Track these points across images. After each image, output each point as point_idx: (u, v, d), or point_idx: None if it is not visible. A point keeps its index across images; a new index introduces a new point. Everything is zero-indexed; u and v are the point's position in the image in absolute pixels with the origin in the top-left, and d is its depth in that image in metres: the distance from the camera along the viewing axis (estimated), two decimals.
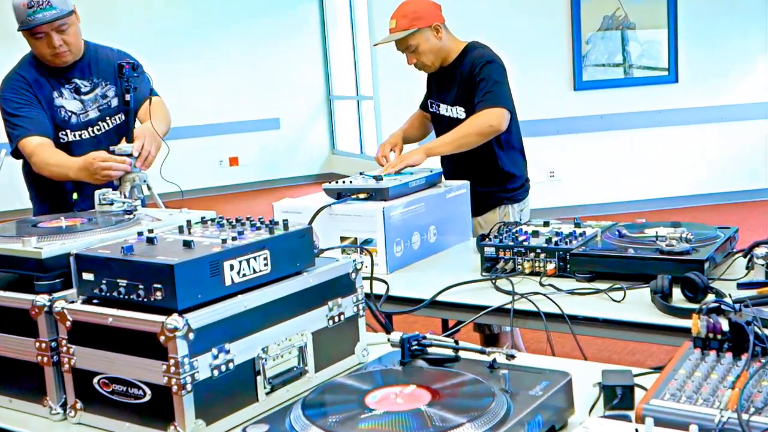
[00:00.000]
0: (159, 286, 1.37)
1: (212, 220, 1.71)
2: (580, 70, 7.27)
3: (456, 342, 1.53)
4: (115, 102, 3.04)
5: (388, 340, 1.55)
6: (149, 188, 2.72)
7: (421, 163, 2.93)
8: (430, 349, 1.53)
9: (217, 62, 10.03)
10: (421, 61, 3.14)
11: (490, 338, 3.20)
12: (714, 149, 7.46)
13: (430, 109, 3.34)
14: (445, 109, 3.23)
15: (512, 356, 1.44)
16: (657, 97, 7.31)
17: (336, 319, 1.66)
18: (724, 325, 1.39)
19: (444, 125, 3.24)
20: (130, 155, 2.65)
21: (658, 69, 7.31)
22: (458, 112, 3.17)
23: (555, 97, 7.24)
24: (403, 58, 3.22)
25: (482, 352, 1.49)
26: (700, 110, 7.35)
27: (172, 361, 1.35)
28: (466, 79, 3.10)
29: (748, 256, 2.13)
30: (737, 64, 7.34)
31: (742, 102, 7.36)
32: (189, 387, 1.36)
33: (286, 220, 1.62)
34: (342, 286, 1.68)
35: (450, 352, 1.51)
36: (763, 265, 2.00)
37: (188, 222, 1.65)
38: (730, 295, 1.93)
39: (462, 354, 1.51)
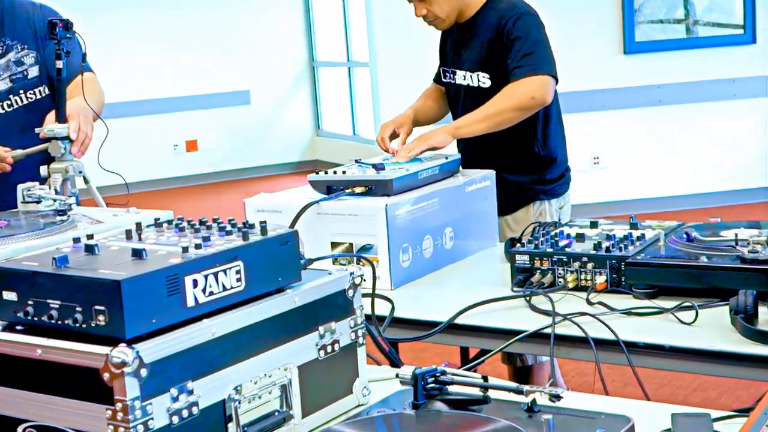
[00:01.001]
0: (102, 308, 1.36)
1: (169, 222, 1.70)
2: (632, 28, 7.28)
3: (485, 378, 1.51)
4: (33, 72, 3.01)
5: (397, 375, 1.53)
6: (86, 181, 2.70)
7: (446, 146, 2.94)
8: (450, 388, 1.51)
9: (168, 20, 10.03)
10: (432, 12, 3.13)
11: (523, 372, 3.20)
12: None
13: (444, 79, 3.34)
14: (462, 77, 3.23)
15: (557, 396, 1.42)
16: (729, 63, 7.32)
17: (329, 348, 1.65)
18: None
19: (461, 98, 3.25)
20: (65, 138, 2.62)
21: (731, 26, 7.32)
22: (481, 79, 3.16)
23: (599, 62, 7.24)
24: (407, 11, 3.21)
25: (518, 392, 1.48)
26: None
27: (119, 406, 1.33)
28: (492, 37, 3.10)
29: None
30: None
31: None
32: None
33: (264, 222, 1.61)
34: (336, 306, 1.67)
35: (477, 392, 1.49)
36: None
37: (138, 225, 1.64)
38: None
39: (492, 393, 1.50)
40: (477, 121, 3.01)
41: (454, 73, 3.26)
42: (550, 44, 3.10)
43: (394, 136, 3.16)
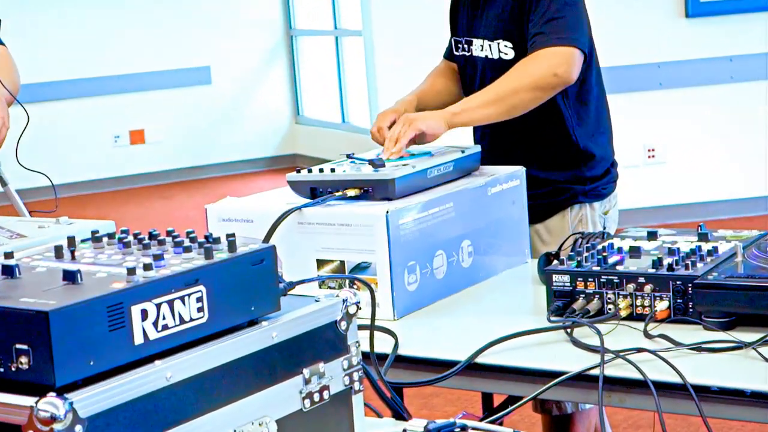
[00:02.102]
0: (24, 347, 1.34)
1: (110, 236, 1.69)
2: None
3: None
4: None
5: (405, 431, 1.52)
6: (3, 183, 2.69)
7: (438, 135, 2.93)
8: None
9: None
10: None
11: (561, 422, 3.20)
12: None
13: (457, 53, 3.36)
14: (479, 47, 3.24)
15: None
16: None
17: (316, 397, 1.64)
18: None
19: (478, 73, 3.25)
20: None
21: None
22: (502, 49, 3.17)
23: (654, 28, 7.25)
24: None
25: None
26: None
27: None
28: None
29: None
30: None
31: None
32: None
33: (232, 235, 1.60)
34: (325, 343, 1.66)
35: None
36: None
37: (70, 239, 1.63)
38: None
39: None
40: (483, 105, 3.00)
41: (470, 44, 3.27)
42: (585, 7, 3.12)
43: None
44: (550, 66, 3.00)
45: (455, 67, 3.41)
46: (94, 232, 1.70)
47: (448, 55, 3.46)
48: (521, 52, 3.11)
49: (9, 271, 1.50)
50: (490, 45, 3.20)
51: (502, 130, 3.11)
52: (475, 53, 3.26)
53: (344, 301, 1.69)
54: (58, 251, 1.60)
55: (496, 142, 3.19)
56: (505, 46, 3.17)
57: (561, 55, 3.01)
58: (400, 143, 2.84)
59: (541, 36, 3.03)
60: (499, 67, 3.14)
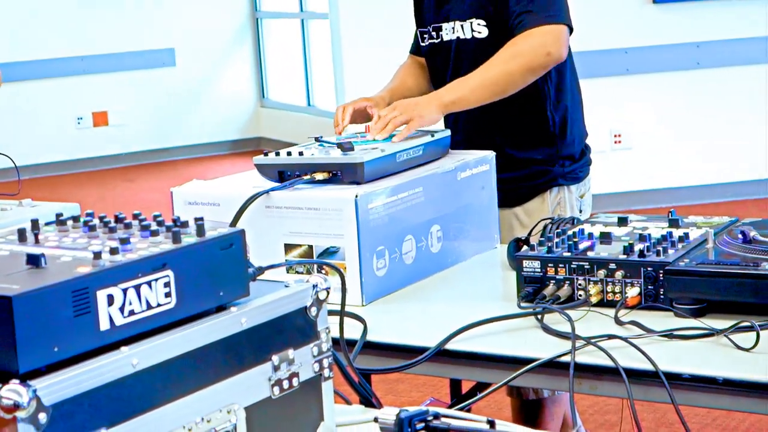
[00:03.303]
0: None
1: (75, 219, 1.67)
2: None
3: (491, 423, 1.48)
4: None
5: (376, 419, 1.50)
6: None
7: (435, 122, 2.92)
8: None
9: None
10: None
11: (530, 407, 3.20)
12: None
13: (424, 43, 3.33)
14: (450, 30, 3.22)
15: None
16: None
17: (285, 384, 1.63)
18: None
19: (452, 57, 3.24)
20: None
21: None
22: (475, 27, 3.16)
23: (622, 13, 7.26)
24: None
25: None
26: None
27: None
28: None
29: None
30: None
31: None
32: None
33: (200, 218, 1.58)
34: (295, 329, 1.65)
35: None
36: None
37: (34, 222, 1.61)
38: None
39: None
40: (477, 88, 2.99)
41: (439, 30, 3.25)
42: None
43: (360, 118, 3.11)
44: (543, 45, 3.00)
45: (422, 61, 3.40)
46: (58, 215, 1.68)
47: (415, 50, 3.45)
48: (495, 30, 3.10)
49: None
50: (462, 25, 3.18)
51: (480, 110, 3.09)
52: (445, 38, 3.24)
53: (314, 286, 1.67)
54: (22, 234, 1.58)
55: (473, 123, 3.19)
56: (479, 24, 3.15)
57: (552, 34, 3.01)
58: (388, 128, 2.83)
59: (529, 15, 3.01)
60: (473, 47, 3.14)
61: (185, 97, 10.61)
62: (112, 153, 10.30)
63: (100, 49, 10.14)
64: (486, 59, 3.03)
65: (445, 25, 3.23)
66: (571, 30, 3.06)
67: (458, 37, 3.20)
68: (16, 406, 1.28)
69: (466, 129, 3.16)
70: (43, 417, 1.31)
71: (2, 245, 1.55)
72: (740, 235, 2.36)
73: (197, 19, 10.52)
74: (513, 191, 3.11)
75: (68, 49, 10.02)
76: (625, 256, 2.33)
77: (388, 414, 1.50)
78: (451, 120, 3.23)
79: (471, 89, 2.99)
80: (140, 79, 10.40)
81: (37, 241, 1.56)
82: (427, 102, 2.95)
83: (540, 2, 3.02)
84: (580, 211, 3.22)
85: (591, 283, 2.34)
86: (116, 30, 10.16)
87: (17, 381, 1.29)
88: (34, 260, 1.42)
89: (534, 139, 3.20)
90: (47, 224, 1.65)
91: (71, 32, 9.99)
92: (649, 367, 2.01)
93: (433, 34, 3.28)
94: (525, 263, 2.40)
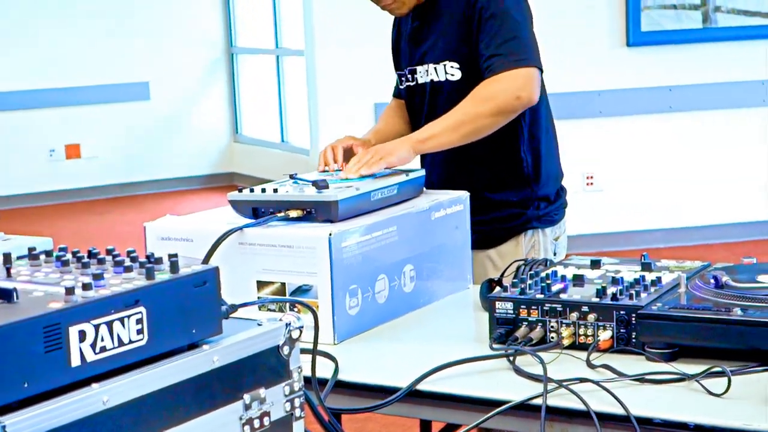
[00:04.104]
0: None
1: (48, 253, 1.66)
2: (637, 14, 7.38)
3: None
4: None
5: None
6: None
7: (407, 162, 2.93)
8: None
9: None
10: None
11: None
12: None
13: (402, 86, 3.34)
14: (424, 72, 3.23)
15: None
16: (758, 60, 7.43)
17: (256, 423, 1.62)
18: None
19: (426, 100, 3.24)
20: None
21: (761, 15, 7.47)
22: (449, 70, 3.16)
23: (596, 57, 7.30)
24: None
25: None
26: None
27: None
28: (460, 15, 3.11)
29: None
30: None
31: None
32: None
33: (174, 255, 1.58)
34: (267, 368, 1.64)
35: None
36: None
37: (6, 256, 1.60)
38: None
39: None
40: (447, 130, 3.00)
41: (414, 72, 3.26)
42: (533, 24, 3.12)
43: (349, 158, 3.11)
44: (512, 89, 3.00)
45: (400, 103, 3.42)
46: (30, 249, 1.68)
47: (397, 93, 3.46)
48: (469, 72, 3.11)
49: None
50: (435, 68, 3.19)
51: (456, 151, 3.09)
52: (420, 81, 3.25)
53: (287, 325, 1.67)
54: None
55: (449, 164, 3.19)
56: (452, 67, 3.16)
57: (522, 78, 3.01)
58: (362, 170, 2.84)
59: (498, 58, 3.02)
60: (447, 89, 3.15)
61: (159, 130, 10.59)
62: (84, 186, 10.26)
63: (74, 82, 10.11)
64: (460, 101, 3.05)
65: (419, 68, 3.24)
66: (541, 71, 3.07)
67: (432, 80, 3.21)
68: None
69: (442, 170, 3.16)
70: None
71: None
72: (712, 280, 2.36)
73: (172, 54, 10.51)
74: (487, 233, 3.12)
75: (42, 81, 9.99)
76: (597, 299, 2.32)
77: None
78: (428, 161, 3.23)
79: (442, 131, 3.00)
80: (114, 112, 10.37)
81: (9, 275, 1.56)
82: (400, 142, 2.97)
83: (509, 45, 3.02)
84: (555, 254, 3.21)
85: (563, 325, 2.33)
86: (90, 62, 10.14)
87: None
88: (5, 294, 1.41)
89: (508, 180, 3.20)
90: (19, 258, 1.65)
91: (45, 64, 9.96)
92: (620, 411, 2.01)
93: (409, 76, 3.28)
94: (498, 305, 2.39)
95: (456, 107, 3.02)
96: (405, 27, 3.30)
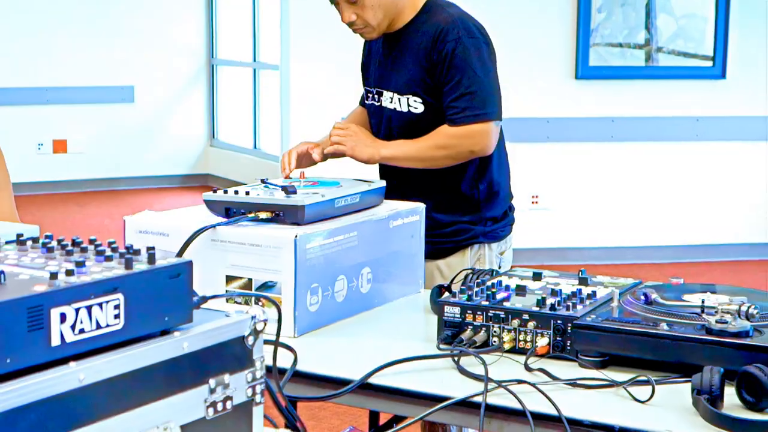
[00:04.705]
0: None
1: (34, 240, 1.63)
2: (586, 50, 7.39)
3: None
4: None
5: None
6: None
7: (369, 163, 3.00)
8: None
9: None
10: (363, 18, 3.08)
11: None
12: None
13: (367, 101, 3.34)
14: (389, 99, 3.20)
15: None
16: (694, 99, 7.48)
17: (219, 406, 1.60)
18: None
19: (384, 123, 3.22)
20: None
21: (698, 57, 7.50)
22: (411, 103, 3.14)
23: (546, 87, 7.32)
24: (329, 8, 3.17)
25: None
26: (755, 121, 7.52)
27: None
28: (427, 54, 3.08)
29: None
30: None
31: None
32: None
33: (152, 248, 1.56)
34: (232, 356, 1.63)
35: None
36: None
37: None
38: None
39: None
40: (407, 158, 3.08)
41: (380, 95, 3.23)
42: (497, 71, 3.11)
43: (305, 161, 3.12)
44: (467, 145, 3.04)
45: (364, 111, 3.41)
46: (18, 235, 1.65)
47: (362, 102, 3.45)
48: (430, 107, 3.09)
49: None
50: (399, 99, 3.16)
51: (412, 175, 3.11)
52: (384, 104, 3.22)
53: (253, 317, 1.65)
54: None
55: (402, 179, 3.16)
56: (415, 101, 3.13)
57: (477, 134, 3.03)
58: (336, 137, 2.99)
59: (458, 112, 3.03)
60: (407, 119, 3.14)
61: (141, 131, 10.52)
62: (68, 179, 10.17)
63: (65, 82, 10.02)
64: (417, 131, 3.08)
65: (385, 93, 3.22)
66: (499, 121, 3.08)
67: (395, 108, 3.18)
68: None
69: (399, 190, 3.08)
70: None
71: None
72: (642, 297, 2.37)
73: (157, 61, 10.45)
74: (436, 245, 3.12)
75: (35, 80, 9.90)
76: (537, 309, 2.32)
77: None
78: (383, 173, 3.22)
79: (404, 156, 3.07)
80: (100, 112, 10.29)
81: None
82: (370, 144, 3.02)
83: (469, 99, 3.02)
84: (500, 267, 3.19)
85: (505, 330, 2.33)
86: (81, 65, 10.06)
87: None
88: None
89: (460, 206, 3.20)
90: (8, 243, 1.63)
91: (38, 64, 9.88)
92: (553, 412, 2.01)
93: (376, 96, 3.26)
94: (446, 308, 2.39)
95: (418, 141, 3.05)
96: (376, 47, 3.28)
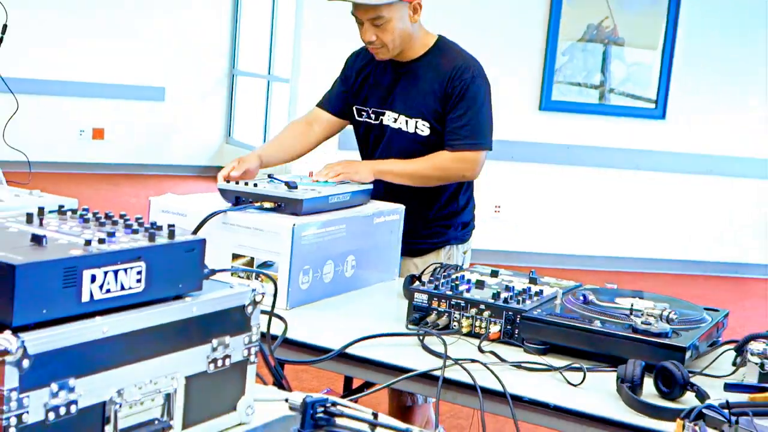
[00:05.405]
0: None
1: (73, 211, 1.63)
2: (550, 86, 7.38)
3: (374, 415, 1.48)
4: None
5: (286, 400, 1.49)
6: None
7: (366, 180, 2.91)
8: (339, 420, 1.48)
9: (95, 4, 9.82)
10: (382, 40, 2.99)
11: (404, 411, 3.16)
12: (702, 207, 7.67)
13: (359, 118, 3.20)
14: (393, 119, 3.11)
15: None
16: (637, 134, 7.49)
17: (219, 363, 1.61)
18: None
19: (385, 140, 3.14)
20: None
21: (643, 99, 7.50)
22: (419, 127, 3.07)
23: (514, 115, 7.31)
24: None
25: None
26: (688, 157, 7.55)
27: None
28: (443, 87, 3.02)
29: (740, 351, 2.15)
30: (741, 109, 7.57)
31: (739, 155, 7.58)
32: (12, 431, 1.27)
33: (173, 225, 1.56)
34: (233, 321, 1.63)
35: (365, 428, 1.46)
36: (757, 364, 2.02)
37: (40, 209, 1.57)
38: (708, 395, 1.95)
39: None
40: (403, 175, 3.01)
41: (382, 114, 3.13)
42: (491, 105, 3.09)
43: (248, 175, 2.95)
44: (461, 169, 3.03)
45: (322, 117, 3.26)
46: (60, 206, 1.65)
47: (325, 105, 3.28)
48: (434, 132, 3.05)
49: None
50: (407, 120, 3.08)
51: (403, 190, 3.05)
52: (385, 122, 3.12)
53: (253, 290, 1.66)
54: (29, 218, 1.55)
55: (388, 185, 3.05)
56: (423, 125, 3.06)
57: (470, 161, 3.02)
58: (329, 174, 2.86)
59: (458, 140, 3.00)
60: (412, 139, 3.08)
61: (168, 126, 10.47)
62: (104, 162, 10.13)
63: (107, 80, 9.97)
64: (416, 150, 3.04)
65: (388, 113, 3.12)
66: (489, 149, 3.06)
67: (400, 128, 3.10)
68: (6, 352, 1.26)
69: (380, 189, 3.01)
70: (26, 363, 1.28)
71: (13, 224, 1.52)
72: (581, 297, 2.39)
73: (187, 69, 10.41)
74: (416, 245, 3.11)
75: (82, 75, 9.84)
76: (492, 301, 2.34)
77: (297, 397, 1.49)
78: (380, 189, 3.08)
79: (399, 173, 3.01)
80: (135, 107, 10.24)
81: (41, 224, 1.54)
82: (364, 165, 2.96)
83: (470, 130, 3.00)
84: (462, 263, 3.20)
85: (464, 317, 2.34)
86: (122, 66, 10.01)
87: (9, 332, 1.27)
88: (37, 239, 1.40)
89: (440, 215, 3.17)
90: (50, 212, 1.62)
91: (86, 62, 9.81)
92: (499, 388, 2.03)
93: (372, 115, 3.15)
94: (416, 295, 2.40)
95: (416, 161, 3.01)
96: (376, 72, 3.16)
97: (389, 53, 3.05)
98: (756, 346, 2.05)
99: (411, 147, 3.06)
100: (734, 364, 2.18)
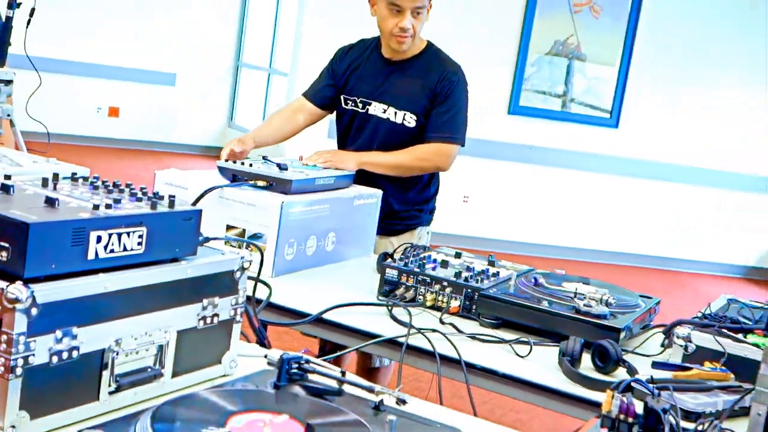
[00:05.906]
0: (6, 245, 1.29)
1: (85, 178, 1.63)
2: (518, 93, 7.38)
3: (342, 373, 1.49)
4: None
5: (266, 356, 1.49)
6: (12, 124, 2.58)
7: (351, 170, 2.90)
8: (311, 376, 1.48)
9: None
10: (415, 28, 2.99)
11: (371, 372, 3.17)
12: (645, 207, 7.71)
13: (345, 106, 3.16)
14: (381, 110, 3.09)
15: (403, 401, 1.41)
16: (593, 140, 7.51)
17: (208, 320, 1.61)
18: (638, 408, 1.39)
19: (370, 128, 3.11)
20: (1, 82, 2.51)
21: (600, 110, 7.52)
22: (407, 119, 3.06)
23: (485, 116, 7.32)
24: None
25: (370, 390, 1.46)
26: (637, 163, 7.59)
27: (4, 337, 1.27)
28: (433, 86, 3.03)
29: (668, 334, 2.17)
30: (686, 121, 7.61)
31: (683, 164, 7.62)
32: (19, 371, 1.27)
33: (173, 196, 1.56)
34: (222, 284, 1.63)
35: (333, 384, 1.47)
36: (682, 346, 2.04)
37: (55, 175, 1.57)
38: (637, 371, 1.97)
39: (346, 388, 1.47)
40: (384, 166, 3.01)
41: (369, 104, 3.11)
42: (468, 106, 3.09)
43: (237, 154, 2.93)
44: (437, 161, 3.04)
45: (306, 107, 3.22)
46: (73, 174, 1.65)
47: (312, 97, 3.23)
48: (419, 125, 3.05)
49: (6, 189, 1.44)
50: (396, 112, 3.07)
51: (384, 178, 3.04)
52: (372, 112, 3.10)
53: (242, 258, 1.66)
54: (45, 182, 1.55)
55: (368, 171, 3.04)
56: (411, 117, 3.06)
57: (445, 154, 3.03)
58: (319, 161, 2.85)
59: (437, 131, 3.02)
60: (400, 130, 3.07)
61: (177, 109, 10.41)
62: (117, 137, 10.06)
63: (125, 64, 9.89)
64: (402, 142, 3.03)
65: (376, 104, 3.10)
66: (463, 145, 3.07)
67: (388, 119, 3.08)
68: (17, 300, 1.26)
69: (361, 174, 2.98)
70: (34, 311, 1.28)
71: (30, 187, 1.51)
72: (533, 280, 2.40)
73: (197, 58, 10.34)
74: (393, 226, 3.10)
75: (101, 58, 9.76)
76: (454, 279, 2.35)
77: (275, 354, 1.49)
78: (363, 174, 3.06)
79: (381, 164, 3.00)
80: (148, 90, 10.16)
81: (55, 188, 1.54)
82: (350, 156, 2.95)
83: (448, 126, 3.02)
84: (427, 242, 3.21)
85: (429, 292, 2.35)
86: (139, 52, 9.93)
87: (21, 282, 1.27)
88: (50, 201, 1.40)
89: (415, 200, 3.17)
90: (64, 179, 1.62)
91: (106, 47, 9.74)
92: (455, 355, 2.04)
93: (359, 104, 3.13)
94: (387, 270, 2.41)
95: (396, 155, 3.00)
96: (366, 64, 3.13)
97: (412, 43, 3.03)
98: (681, 330, 2.06)
99: (396, 136, 3.06)
100: (662, 345, 2.21)
